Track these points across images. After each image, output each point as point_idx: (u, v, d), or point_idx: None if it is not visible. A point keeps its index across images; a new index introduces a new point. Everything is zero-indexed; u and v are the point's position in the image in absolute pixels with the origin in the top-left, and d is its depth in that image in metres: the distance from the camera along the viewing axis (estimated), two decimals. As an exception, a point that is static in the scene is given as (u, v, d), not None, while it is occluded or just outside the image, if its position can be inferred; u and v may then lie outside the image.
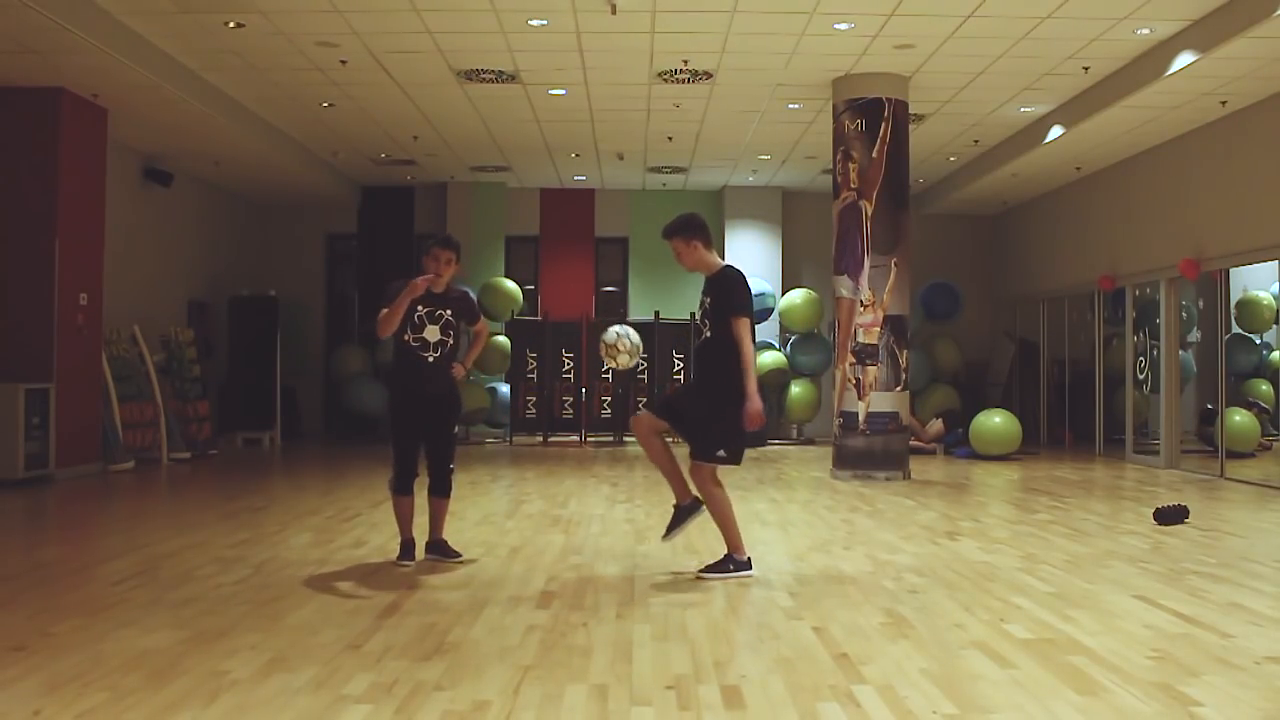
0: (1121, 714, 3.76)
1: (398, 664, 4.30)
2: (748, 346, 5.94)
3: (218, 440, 14.93)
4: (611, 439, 17.12)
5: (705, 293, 6.14)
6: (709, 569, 6.12)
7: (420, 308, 6.30)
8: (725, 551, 6.17)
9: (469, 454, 14.84)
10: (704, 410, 6.04)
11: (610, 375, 16.95)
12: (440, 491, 6.52)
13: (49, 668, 4.22)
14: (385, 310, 6.20)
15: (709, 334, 6.07)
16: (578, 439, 17.07)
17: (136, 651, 4.45)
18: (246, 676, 4.11)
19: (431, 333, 6.33)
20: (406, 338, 6.31)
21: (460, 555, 6.56)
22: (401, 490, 6.43)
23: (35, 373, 10.89)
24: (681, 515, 6.21)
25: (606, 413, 17.01)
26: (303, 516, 8.54)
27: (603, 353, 6.45)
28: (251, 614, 5.16)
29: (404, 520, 6.49)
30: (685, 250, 6.14)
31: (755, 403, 5.89)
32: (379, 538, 7.42)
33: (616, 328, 6.41)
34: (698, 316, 6.16)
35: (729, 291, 6.04)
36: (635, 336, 6.38)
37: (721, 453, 6.02)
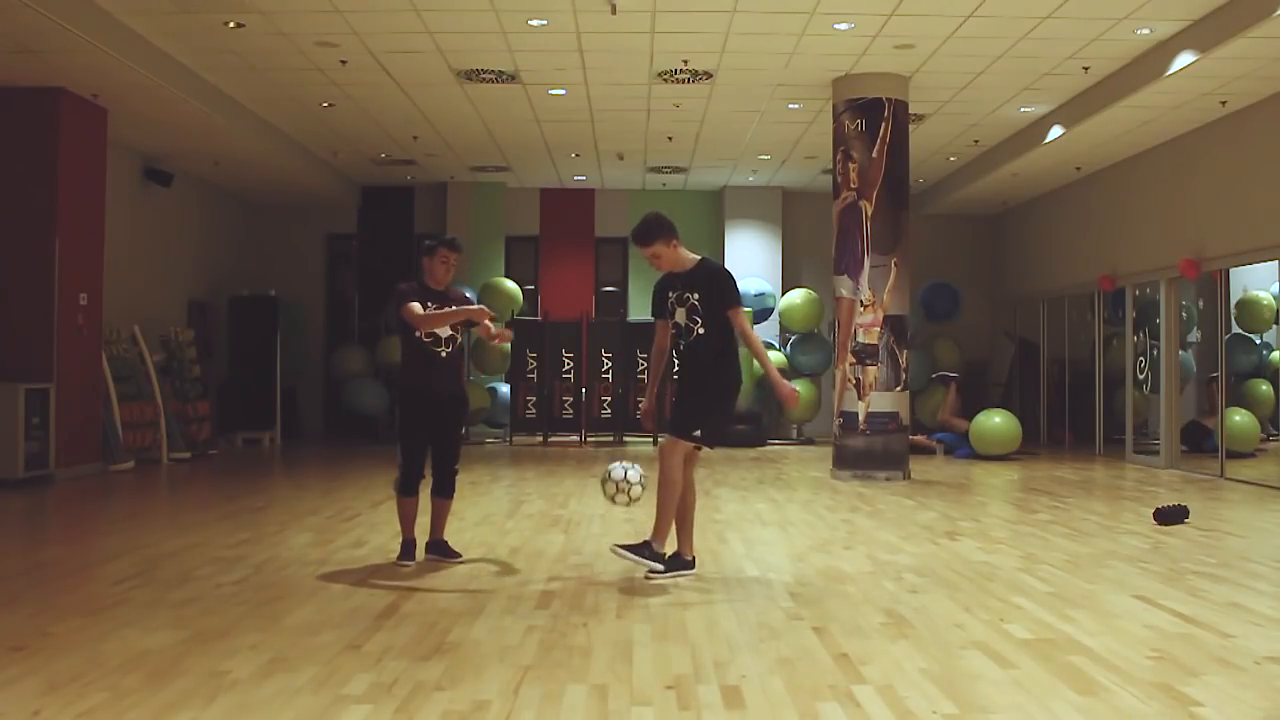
0: (1121, 714, 3.76)
1: (398, 664, 4.30)
2: (754, 335, 6.03)
3: (218, 440, 14.93)
4: (611, 439, 17.12)
5: (685, 288, 6.01)
6: (625, 546, 6.02)
7: (428, 305, 6.35)
8: (647, 538, 6.02)
9: (469, 454, 14.82)
10: (696, 392, 6.01)
11: (610, 375, 16.97)
12: (444, 492, 6.53)
13: (49, 668, 4.22)
14: (434, 313, 6.24)
15: (702, 330, 5.97)
16: (578, 439, 17.06)
17: (136, 651, 4.45)
18: (246, 676, 4.11)
19: (442, 329, 6.38)
20: (419, 334, 6.36)
21: (461, 555, 6.56)
22: (407, 491, 6.43)
23: (35, 373, 10.89)
24: (644, 553, 5.99)
25: (606, 413, 17.01)
26: (303, 516, 8.54)
27: (612, 491, 6.32)
28: (251, 614, 5.16)
29: (407, 520, 6.50)
30: (666, 251, 6.04)
31: (786, 384, 6.03)
32: (379, 538, 7.42)
33: (619, 470, 6.29)
34: (680, 314, 6.00)
35: (724, 286, 6.01)
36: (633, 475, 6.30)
37: (697, 432, 5.97)
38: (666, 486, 5.95)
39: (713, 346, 5.99)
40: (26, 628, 4.88)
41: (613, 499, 6.17)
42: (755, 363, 16.94)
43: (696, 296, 5.98)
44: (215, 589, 5.75)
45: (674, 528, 6.08)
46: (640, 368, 16.99)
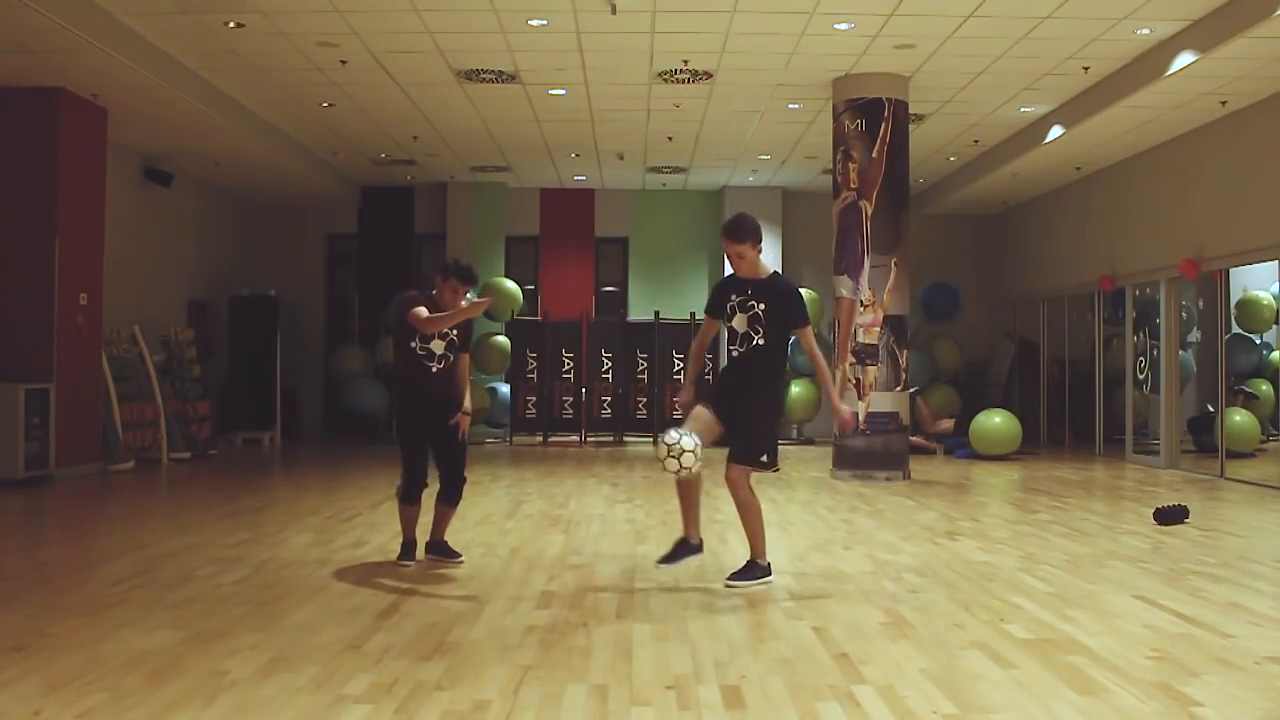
0: (1121, 714, 3.76)
1: (398, 664, 4.30)
2: (820, 355, 5.97)
3: (218, 440, 14.93)
4: (611, 439, 17.12)
5: (752, 297, 5.88)
6: (737, 576, 5.97)
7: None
8: (749, 558, 6.03)
9: (469, 454, 14.81)
10: (755, 415, 5.90)
11: (610, 375, 16.99)
12: (450, 500, 6.51)
13: (49, 668, 4.22)
14: (442, 315, 6.20)
15: (762, 341, 5.85)
16: (578, 439, 17.07)
17: (136, 651, 4.45)
18: (246, 676, 4.11)
19: (438, 345, 6.35)
20: (414, 346, 6.33)
21: (460, 556, 6.56)
22: (410, 500, 6.40)
23: (35, 373, 10.89)
24: (684, 552, 6.06)
25: (606, 413, 17.02)
26: (303, 516, 8.54)
27: (664, 455, 6.07)
28: (251, 614, 5.16)
29: (408, 523, 6.48)
30: (751, 254, 5.90)
31: (846, 409, 6.04)
32: (379, 538, 7.42)
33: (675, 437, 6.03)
34: (740, 321, 5.88)
35: (795, 302, 5.91)
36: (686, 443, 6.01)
37: (764, 458, 5.92)
38: (750, 509, 5.96)
39: (770, 361, 5.91)
40: (26, 628, 4.88)
41: (664, 463, 5.86)
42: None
43: (762, 307, 5.86)
44: (215, 589, 5.75)
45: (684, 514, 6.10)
46: (640, 368, 17.00)
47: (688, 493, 6.02)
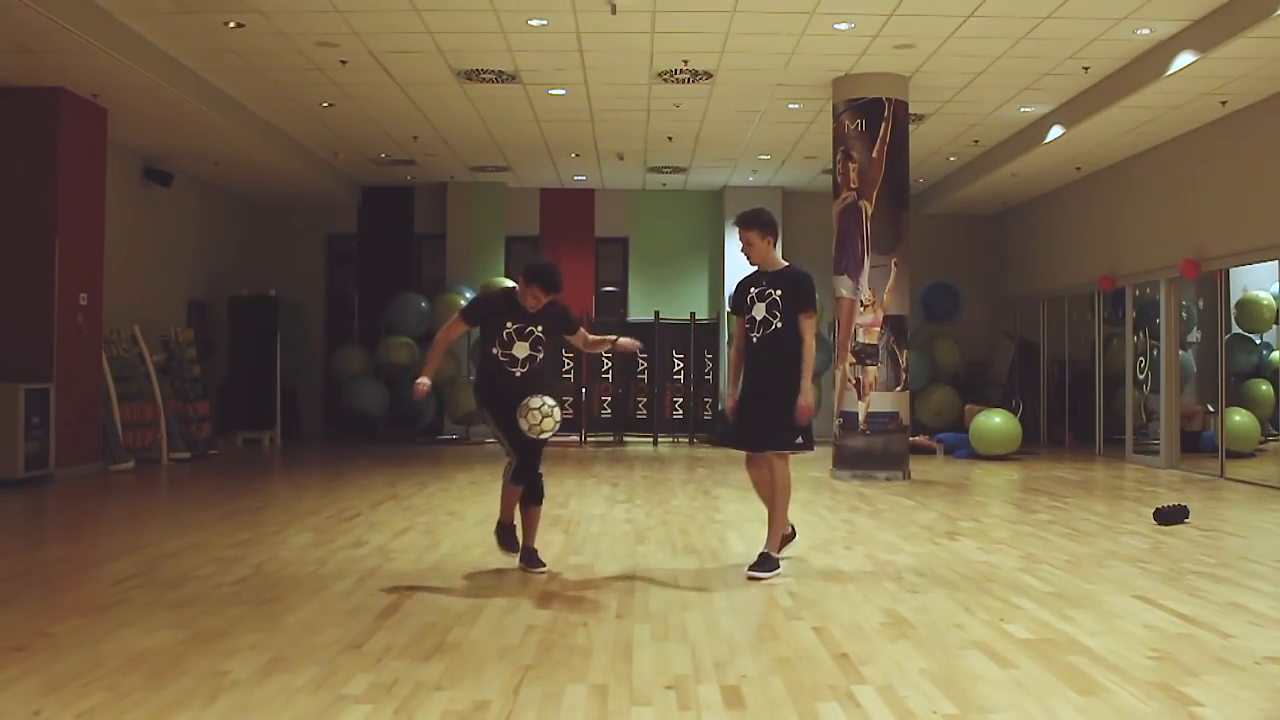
0: (1121, 714, 3.76)
1: (398, 664, 4.30)
2: (813, 344, 6.23)
3: (218, 440, 14.93)
4: (611, 439, 17.12)
5: (769, 285, 6.24)
6: (757, 568, 6.11)
7: (510, 324, 6.12)
8: (764, 549, 6.23)
9: (470, 454, 14.85)
10: (780, 401, 6.16)
11: (610, 375, 16.99)
12: (535, 497, 6.36)
13: (49, 668, 4.22)
14: (436, 350, 6.30)
15: (780, 325, 6.17)
16: (577, 439, 17.07)
17: (136, 651, 4.45)
18: (246, 676, 4.11)
19: (520, 349, 6.15)
20: (495, 352, 6.14)
21: (545, 566, 6.33)
22: (519, 479, 6.27)
23: (35, 373, 10.89)
24: (769, 565, 6.16)
25: (606, 413, 17.02)
26: (303, 516, 8.54)
27: (532, 420, 6.19)
28: (251, 614, 5.16)
29: (509, 504, 6.30)
30: (759, 244, 6.33)
31: (809, 398, 6.15)
32: (379, 538, 7.42)
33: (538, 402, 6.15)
34: (760, 309, 6.22)
35: (808, 290, 6.26)
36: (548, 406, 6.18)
37: (800, 440, 6.19)
38: (785, 493, 6.26)
39: (790, 344, 6.17)
40: (26, 628, 4.88)
41: (539, 424, 6.06)
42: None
43: (779, 293, 6.22)
44: (215, 589, 5.75)
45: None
46: (640, 368, 17.01)
47: (764, 493, 6.36)
